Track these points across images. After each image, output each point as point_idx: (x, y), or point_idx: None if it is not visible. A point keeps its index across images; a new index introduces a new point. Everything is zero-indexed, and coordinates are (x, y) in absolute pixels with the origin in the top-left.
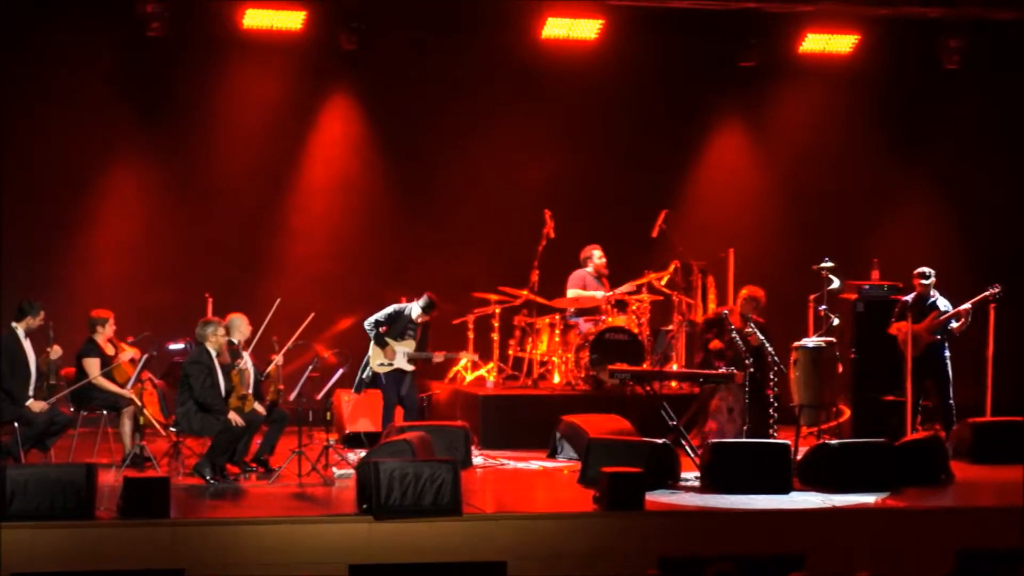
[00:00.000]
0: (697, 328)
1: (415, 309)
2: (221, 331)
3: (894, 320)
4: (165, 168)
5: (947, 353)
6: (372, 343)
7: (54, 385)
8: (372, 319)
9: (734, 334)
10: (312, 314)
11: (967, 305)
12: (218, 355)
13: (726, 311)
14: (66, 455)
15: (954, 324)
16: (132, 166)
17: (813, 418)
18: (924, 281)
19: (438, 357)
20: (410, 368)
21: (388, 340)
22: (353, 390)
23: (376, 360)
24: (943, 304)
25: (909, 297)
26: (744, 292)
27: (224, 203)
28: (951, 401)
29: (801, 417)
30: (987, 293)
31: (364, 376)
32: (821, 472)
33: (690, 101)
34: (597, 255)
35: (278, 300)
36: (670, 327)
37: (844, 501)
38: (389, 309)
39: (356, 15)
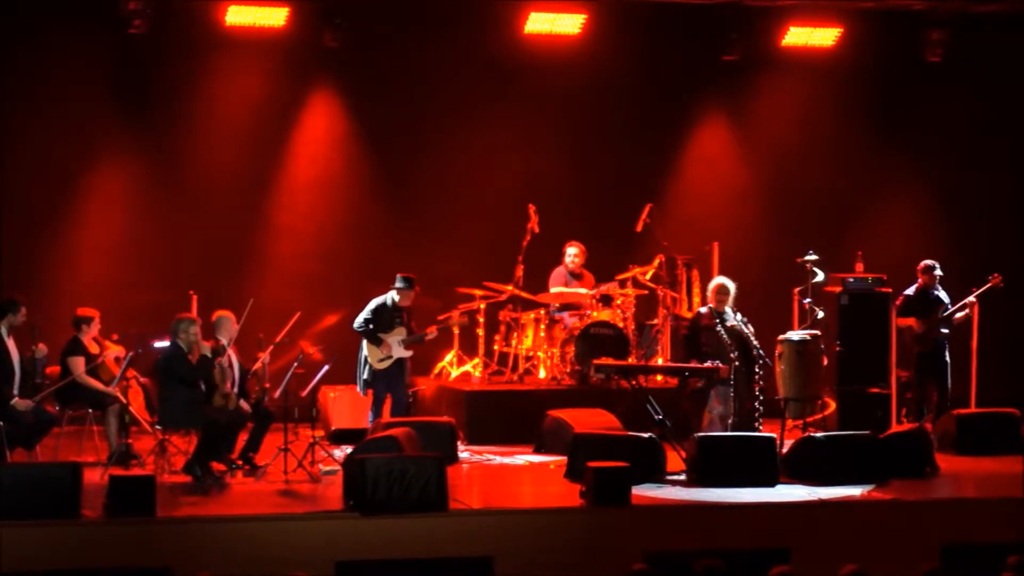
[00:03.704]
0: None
1: (393, 295)
2: (194, 329)
3: (898, 315)
4: (149, 166)
5: (947, 344)
6: (365, 342)
7: (39, 383)
8: (360, 319)
9: (719, 328)
10: (298, 313)
11: (971, 298)
12: (188, 351)
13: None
14: (51, 454)
15: (958, 315)
16: (115, 164)
17: (798, 411)
18: (936, 272)
19: (431, 334)
20: (408, 354)
21: (380, 335)
22: (360, 392)
23: (375, 357)
24: (946, 297)
25: (911, 290)
26: (713, 285)
27: (208, 201)
28: (948, 395)
29: (786, 410)
30: (990, 284)
31: (367, 377)
32: (807, 465)
33: (673, 95)
34: (570, 253)
35: (251, 300)
36: (655, 321)
37: (830, 494)
38: (371, 305)
39: (339, 12)
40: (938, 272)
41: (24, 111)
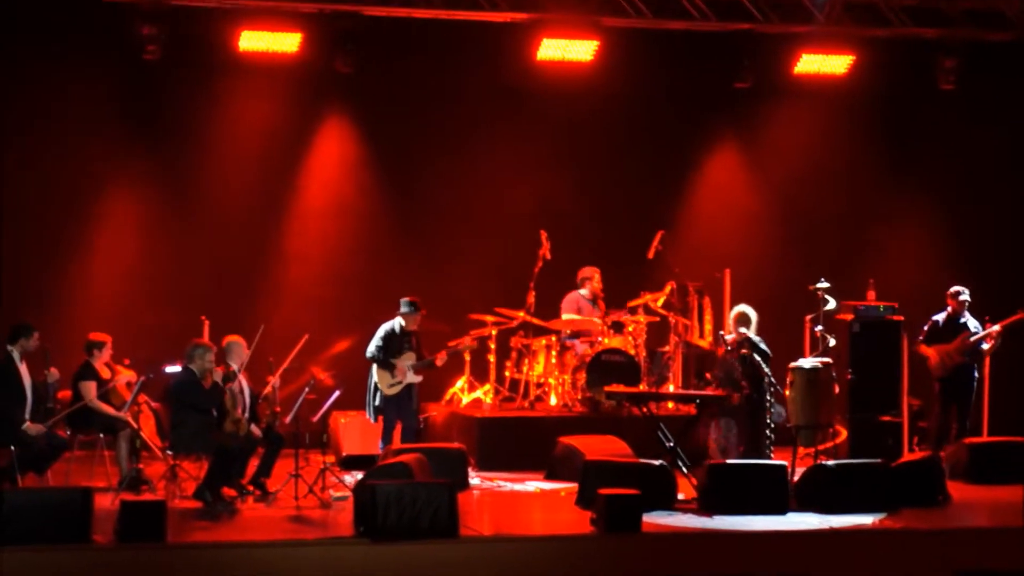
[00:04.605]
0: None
1: (400, 320)
2: (210, 356)
3: (922, 340)
4: (161, 191)
5: (976, 375)
6: (376, 368)
7: (51, 408)
8: (373, 346)
9: (730, 356)
10: (306, 335)
11: (997, 327)
12: (201, 378)
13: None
14: (63, 478)
15: (985, 346)
16: (129, 189)
17: (810, 439)
18: (962, 298)
19: (440, 359)
20: (418, 379)
21: (392, 360)
22: (370, 419)
23: (385, 383)
24: (973, 325)
25: (940, 317)
26: (733, 314)
27: (220, 226)
28: (967, 423)
29: (798, 438)
30: (1019, 315)
31: (378, 403)
32: (818, 493)
33: (685, 122)
34: (597, 277)
35: (262, 327)
36: (666, 348)
37: (841, 522)
38: (380, 332)
39: (352, 38)
40: (964, 298)
41: (37, 136)
